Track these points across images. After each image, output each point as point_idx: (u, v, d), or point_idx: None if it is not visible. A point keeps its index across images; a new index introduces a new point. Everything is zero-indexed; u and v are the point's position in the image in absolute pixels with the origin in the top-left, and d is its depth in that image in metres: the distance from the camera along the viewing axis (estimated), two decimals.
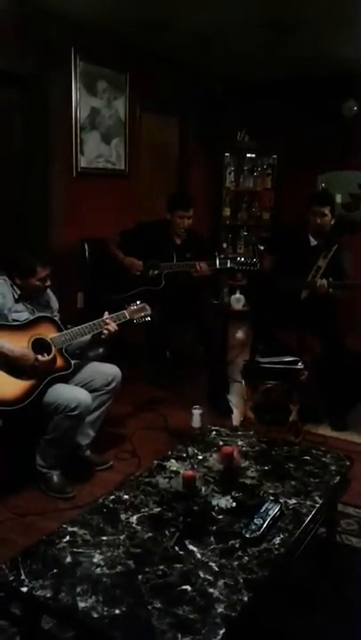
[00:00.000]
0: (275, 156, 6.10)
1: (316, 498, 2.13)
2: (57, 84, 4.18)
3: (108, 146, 4.71)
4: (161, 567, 1.70)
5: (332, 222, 3.93)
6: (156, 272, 4.06)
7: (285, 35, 4.40)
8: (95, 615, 1.52)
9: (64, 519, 2.07)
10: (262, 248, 4.87)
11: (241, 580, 1.67)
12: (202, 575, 1.68)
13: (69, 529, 1.88)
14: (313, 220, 3.90)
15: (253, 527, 1.87)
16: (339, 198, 5.84)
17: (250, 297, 5.37)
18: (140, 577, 1.66)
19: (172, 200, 4.15)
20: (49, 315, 3.01)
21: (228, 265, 4.04)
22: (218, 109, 5.85)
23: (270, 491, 2.17)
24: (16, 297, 2.91)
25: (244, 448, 2.51)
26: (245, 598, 1.60)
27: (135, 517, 1.96)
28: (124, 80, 4.74)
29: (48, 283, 2.97)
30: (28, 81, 4.07)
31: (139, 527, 1.91)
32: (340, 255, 3.90)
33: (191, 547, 1.81)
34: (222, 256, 4.19)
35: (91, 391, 2.98)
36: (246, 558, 1.76)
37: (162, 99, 5.18)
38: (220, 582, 1.66)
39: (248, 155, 6.16)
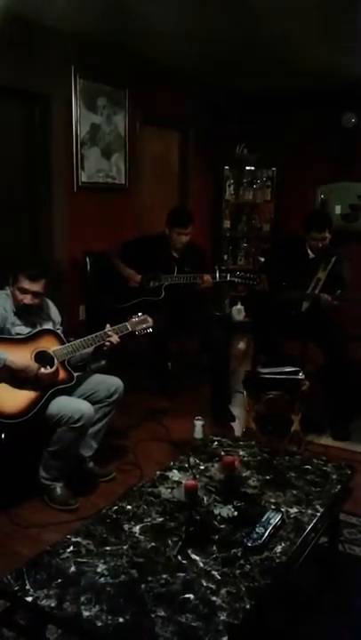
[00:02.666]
0: (274, 169, 6.16)
1: (318, 506, 2.15)
2: (57, 101, 4.24)
3: (109, 161, 4.76)
4: (164, 576, 1.72)
5: (330, 236, 3.97)
6: (156, 284, 4.11)
7: (285, 49, 4.47)
8: (99, 624, 1.53)
9: (68, 531, 2.09)
10: (262, 260, 4.91)
11: (243, 588, 1.68)
12: (204, 583, 1.70)
13: (73, 539, 1.90)
14: (314, 245, 3.93)
15: (255, 536, 1.88)
16: (338, 209, 5.89)
17: (251, 308, 5.41)
18: (143, 586, 1.68)
19: (172, 216, 4.18)
20: (51, 327, 3.05)
21: (228, 278, 4.07)
22: (217, 123, 5.91)
23: (272, 500, 2.19)
24: (14, 310, 2.94)
25: (245, 458, 2.53)
26: (248, 606, 1.62)
27: (138, 527, 1.98)
28: (124, 96, 4.80)
29: (28, 300, 2.88)
30: (29, 98, 4.14)
31: (142, 537, 1.93)
32: (340, 265, 3.93)
33: (194, 556, 1.82)
34: (223, 267, 4.23)
35: (93, 403, 3.01)
36: (248, 566, 1.78)
37: (161, 113, 5.24)
38: (223, 590, 1.67)
39: (247, 167, 6.21)
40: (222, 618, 1.56)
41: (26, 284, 2.86)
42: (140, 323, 3.22)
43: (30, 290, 2.88)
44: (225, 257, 6.26)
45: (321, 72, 5.09)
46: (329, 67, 4.90)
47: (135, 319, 3.21)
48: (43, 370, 2.83)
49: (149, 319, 3.25)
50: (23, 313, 2.95)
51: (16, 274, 2.88)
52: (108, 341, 3.06)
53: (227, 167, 6.14)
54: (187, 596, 1.65)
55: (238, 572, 1.76)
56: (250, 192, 6.27)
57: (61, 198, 4.37)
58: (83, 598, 1.62)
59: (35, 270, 2.88)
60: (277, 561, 1.82)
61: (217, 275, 4.06)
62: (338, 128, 5.72)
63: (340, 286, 3.85)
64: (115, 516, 2.05)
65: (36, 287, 2.89)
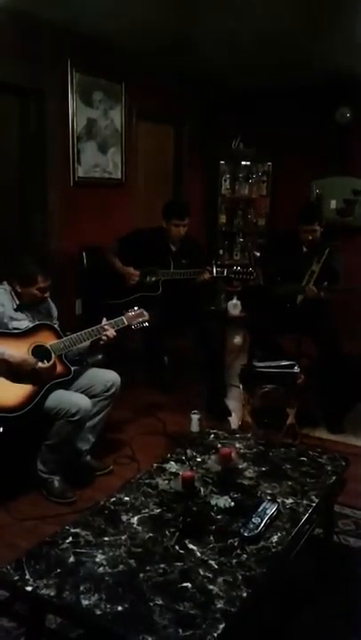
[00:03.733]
0: (269, 164, 6.17)
1: (313, 497, 2.17)
2: (54, 95, 4.23)
3: (105, 155, 4.77)
4: (162, 566, 1.75)
5: (322, 230, 4.00)
6: (153, 279, 4.12)
7: (278, 44, 4.47)
8: (98, 612, 1.56)
9: (65, 523, 2.11)
10: (258, 254, 4.93)
11: (240, 577, 1.71)
12: (202, 573, 1.72)
13: (72, 530, 1.92)
14: (304, 237, 3.98)
15: (251, 526, 1.91)
16: (333, 204, 5.90)
17: (247, 303, 5.43)
18: (141, 575, 1.70)
19: (168, 208, 4.20)
20: (48, 322, 3.06)
21: (225, 274, 4.09)
22: (213, 118, 5.92)
23: (268, 491, 2.21)
24: (15, 306, 2.96)
25: (242, 450, 2.56)
26: (244, 594, 1.64)
27: (136, 518, 2.00)
28: (120, 90, 4.80)
29: (47, 294, 3.01)
30: (25, 92, 4.14)
31: (140, 528, 1.95)
32: (333, 258, 3.96)
33: (191, 546, 1.85)
34: (219, 263, 4.25)
35: (90, 397, 3.03)
36: (245, 556, 1.81)
37: (157, 108, 5.25)
38: (220, 579, 1.70)
39: (243, 162, 6.22)
40: (219, 606, 1.59)
41: (43, 284, 2.95)
42: (137, 316, 3.24)
43: (45, 286, 2.97)
44: (221, 252, 6.27)
45: (315, 67, 5.10)
46: (323, 62, 4.91)
47: (131, 313, 3.23)
48: (40, 364, 2.85)
49: (145, 313, 3.27)
50: (24, 308, 2.98)
51: (34, 274, 2.91)
52: (105, 335, 3.08)
53: (222, 162, 6.15)
54: (184, 584, 1.67)
55: (235, 561, 1.78)
56: (245, 187, 6.28)
57: (57, 193, 4.37)
58: (82, 588, 1.64)
59: (47, 267, 2.98)
60: (273, 550, 1.85)
61: (214, 270, 4.07)
62: (332, 123, 5.73)
63: (334, 279, 3.88)
64: (113, 507, 2.07)
65: (48, 282, 2.99)
